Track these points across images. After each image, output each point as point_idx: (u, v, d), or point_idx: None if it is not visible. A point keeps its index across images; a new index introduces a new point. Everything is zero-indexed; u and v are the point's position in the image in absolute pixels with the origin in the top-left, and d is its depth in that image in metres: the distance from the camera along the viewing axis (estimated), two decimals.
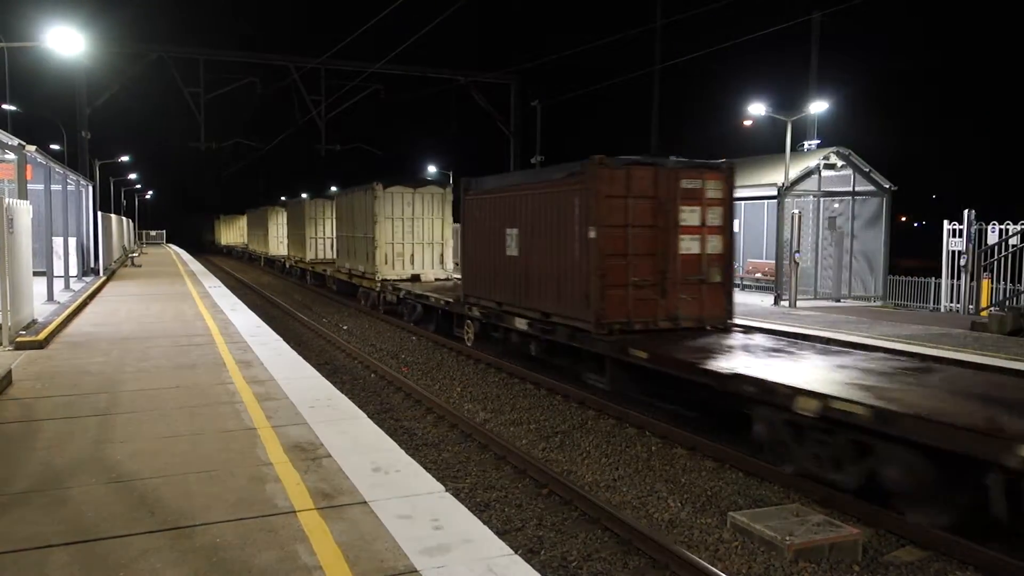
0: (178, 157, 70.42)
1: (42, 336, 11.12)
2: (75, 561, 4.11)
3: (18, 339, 10.77)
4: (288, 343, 12.02)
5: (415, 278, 21.59)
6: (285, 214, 41.27)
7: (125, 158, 45.23)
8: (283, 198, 54.56)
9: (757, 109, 21.49)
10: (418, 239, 22.02)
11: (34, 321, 12.50)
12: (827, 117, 25.54)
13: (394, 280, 21.20)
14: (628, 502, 7.63)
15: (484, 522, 4.80)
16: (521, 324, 13.18)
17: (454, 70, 34.42)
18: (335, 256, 28.92)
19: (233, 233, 70.01)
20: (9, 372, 8.50)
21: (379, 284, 21.42)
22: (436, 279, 21.65)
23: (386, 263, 21.60)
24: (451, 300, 16.68)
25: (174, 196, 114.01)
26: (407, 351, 16.49)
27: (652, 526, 6.98)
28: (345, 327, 20.24)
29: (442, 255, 22.28)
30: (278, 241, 43.17)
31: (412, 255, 21.92)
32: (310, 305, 25.77)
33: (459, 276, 21.48)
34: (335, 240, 28.40)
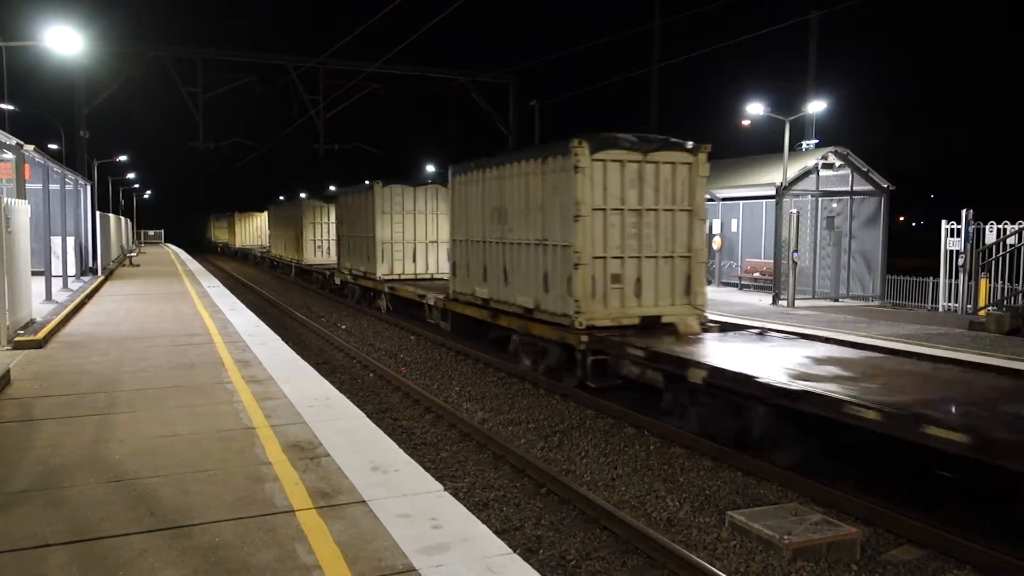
0: (177, 157, 70.21)
1: (40, 336, 11.11)
2: (74, 560, 4.11)
3: (16, 339, 10.77)
4: (287, 343, 12.03)
5: (649, 324, 11.75)
6: (331, 209, 32.36)
7: (123, 158, 45.18)
8: (281, 197, 54.45)
9: (755, 109, 21.52)
10: (649, 248, 11.85)
11: (32, 321, 12.49)
12: (826, 117, 25.61)
13: (610, 326, 11.54)
14: (626, 501, 7.63)
15: (483, 521, 4.80)
16: None
17: (452, 69, 34.43)
18: (445, 273, 19.73)
19: (248, 234, 63.21)
20: (7, 372, 8.49)
21: (584, 337, 11.24)
22: (691, 328, 11.50)
23: (592, 296, 11.54)
24: None
25: (173, 196, 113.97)
26: (405, 350, 16.48)
27: (651, 525, 6.98)
28: (344, 326, 20.24)
29: (688, 277, 12.08)
30: (316, 245, 34.55)
31: (639, 279, 11.79)
32: (311, 306, 25.77)
33: (729, 321, 13.81)
34: (450, 248, 16.96)
